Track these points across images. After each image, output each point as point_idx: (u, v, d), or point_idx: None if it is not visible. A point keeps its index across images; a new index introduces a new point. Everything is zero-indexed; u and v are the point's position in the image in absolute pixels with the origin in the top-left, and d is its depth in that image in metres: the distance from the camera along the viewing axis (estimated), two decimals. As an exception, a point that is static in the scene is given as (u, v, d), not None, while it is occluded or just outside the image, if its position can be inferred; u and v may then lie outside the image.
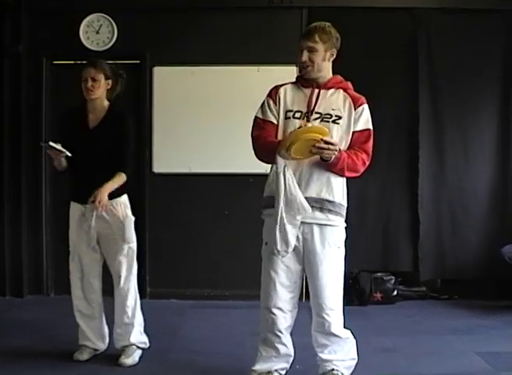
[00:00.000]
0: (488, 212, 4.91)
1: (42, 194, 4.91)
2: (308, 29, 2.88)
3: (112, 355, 3.33)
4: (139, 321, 3.38)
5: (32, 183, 4.89)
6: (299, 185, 2.73)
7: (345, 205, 2.88)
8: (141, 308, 3.41)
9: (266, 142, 2.82)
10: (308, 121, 2.78)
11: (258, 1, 4.83)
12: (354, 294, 4.67)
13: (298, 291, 2.92)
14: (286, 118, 2.84)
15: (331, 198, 2.79)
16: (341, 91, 2.88)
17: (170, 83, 4.88)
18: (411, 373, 3.23)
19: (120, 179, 3.24)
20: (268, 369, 2.91)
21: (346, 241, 2.91)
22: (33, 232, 4.90)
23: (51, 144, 3.12)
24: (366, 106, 2.88)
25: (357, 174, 2.85)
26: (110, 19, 4.82)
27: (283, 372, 2.97)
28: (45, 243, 4.93)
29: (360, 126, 2.84)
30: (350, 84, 2.94)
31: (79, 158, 3.23)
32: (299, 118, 2.81)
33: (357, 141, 2.83)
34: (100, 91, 3.30)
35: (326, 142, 2.62)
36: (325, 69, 2.85)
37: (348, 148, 2.81)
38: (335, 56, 2.86)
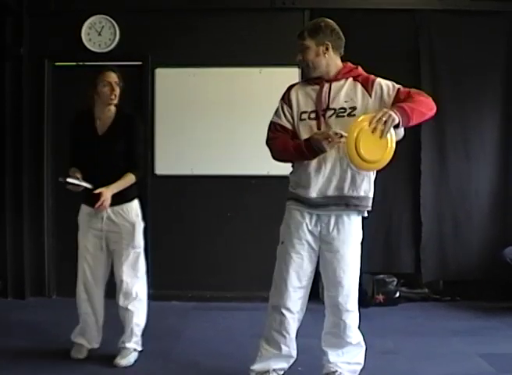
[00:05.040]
0: (490, 213, 4.90)
1: (44, 196, 4.90)
2: (302, 28, 2.90)
3: (112, 357, 3.32)
4: (141, 326, 3.39)
5: (34, 185, 4.88)
6: (323, 183, 2.75)
7: (371, 196, 2.87)
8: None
9: (284, 142, 2.78)
10: (325, 119, 2.74)
11: (260, 2, 4.83)
12: (356, 295, 4.66)
13: (307, 294, 2.92)
14: (301, 119, 2.80)
15: (355, 194, 2.79)
16: (350, 79, 2.81)
17: (172, 84, 4.87)
18: (414, 375, 3.24)
19: (128, 180, 3.23)
20: (266, 368, 2.91)
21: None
22: (35, 234, 4.90)
23: (69, 180, 3.11)
24: (379, 79, 2.81)
25: (432, 111, 2.87)
26: (112, 20, 4.83)
27: (281, 372, 2.96)
28: (47, 245, 4.92)
29: (392, 93, 2.77)
30: (359, 70, 2.86)
31: (90, 164, 3.24)
32: (315, 118, 2.77)
33: (400, 100, 2.71)
34: (117, 97, 3.29)
35: (376, 120, 2.55)
36: (323, 64, 2.79)
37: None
38: (332, 47, 2.78)
